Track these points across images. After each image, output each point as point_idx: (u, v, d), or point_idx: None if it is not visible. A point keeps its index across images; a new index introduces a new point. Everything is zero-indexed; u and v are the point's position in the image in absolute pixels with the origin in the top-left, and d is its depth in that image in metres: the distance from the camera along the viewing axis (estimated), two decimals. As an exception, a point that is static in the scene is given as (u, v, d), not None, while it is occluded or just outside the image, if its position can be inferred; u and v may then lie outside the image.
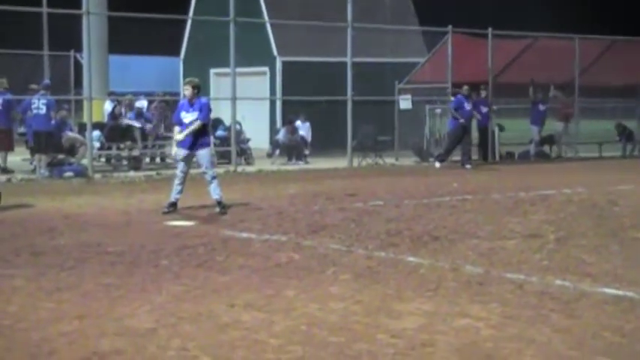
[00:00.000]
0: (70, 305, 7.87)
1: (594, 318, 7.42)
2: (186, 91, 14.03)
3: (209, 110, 14.20)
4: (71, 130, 21.58)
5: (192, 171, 14.67)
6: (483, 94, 25.48)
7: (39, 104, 20.18)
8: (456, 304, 7.89)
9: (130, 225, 12.82)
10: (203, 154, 13.95)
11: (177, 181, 13.99)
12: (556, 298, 8.10)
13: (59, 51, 30.63)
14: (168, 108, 24.38)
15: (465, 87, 23.72)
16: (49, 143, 20.16)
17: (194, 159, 14.09)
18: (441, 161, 23.31)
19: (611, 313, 7.59)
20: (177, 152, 14.04)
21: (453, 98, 24.01)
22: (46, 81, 22.36)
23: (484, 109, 25.44)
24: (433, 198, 16.01)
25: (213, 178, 14.00)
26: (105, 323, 7.26)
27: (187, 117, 13.87)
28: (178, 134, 13.94)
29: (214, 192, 13.98)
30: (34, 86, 23.20)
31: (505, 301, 7.97)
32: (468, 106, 23.53)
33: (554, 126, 27.32)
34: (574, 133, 28.71)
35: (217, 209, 13.90)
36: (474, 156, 25.31)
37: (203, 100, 14.26)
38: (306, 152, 25.21)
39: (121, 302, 7.95)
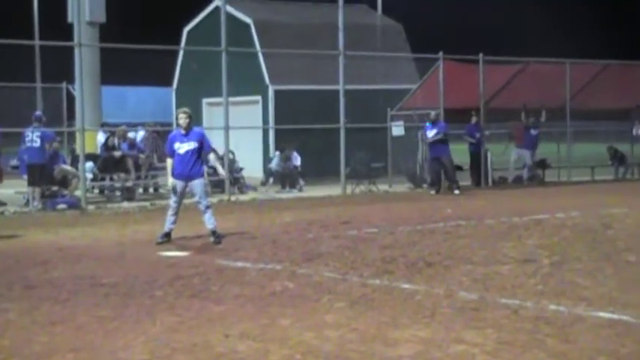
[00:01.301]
0: (64, 338, 7.83)
1: (590, 342, 7.41)
2: (182, 120, 14.01)
3: (207, 140, 14.31)
4: (64, 162, 21.56)
5: (186, 201, 14.66)
6: (474, 119, 25.55)
7: (33, 137, 20.16)
8: (452, 330, 7.87)
9: (124, 256, 12.80)
10: (197, 184, 13.96)
11: (170, 212, 13.99)
12: (551, 322, 8.09)
13: (51, 83, 30.68)
14: (159, 138, 24.40)
15: (432, 113, 23.81)
16: (43, 175, 20.13)
17: (187, 189, 14.09)
18: (458, 187, 23.35)
19: (606, 337, 7.58)
20: (174, 183, 14.00)
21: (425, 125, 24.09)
22: (37, 113, 22.34)
23: (477, 135, 25.53)
24: (427, 224, 16.02)
25: (208, 207, 13.99)
26: (99, 356, 7.23)
27: (183, 147, 13.87)
28: (169, 181, 13.93)
29: (209, 222, 13.97)
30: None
31: (500, 327, 7.95)
32: (430, 133, 23.55)
33: (521, 154, 26.96)
34: (566, 156, 28.79)
35: (212, 239, 13.89)
36: (467, 182, 25.35)
37: (198, 129, 14.30)
38: (302, 182, 25.20)
39: (116, 334, 7.92)
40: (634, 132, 30.41)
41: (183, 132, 13.96)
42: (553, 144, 29.50)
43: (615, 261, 11.55)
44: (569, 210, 18.04)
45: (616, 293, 9.39)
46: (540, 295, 9.34)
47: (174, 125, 28.61)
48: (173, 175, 13.98)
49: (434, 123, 23.55)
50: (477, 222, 16.31)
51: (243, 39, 27.97)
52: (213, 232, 13.94)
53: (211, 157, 14.63)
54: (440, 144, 23.49)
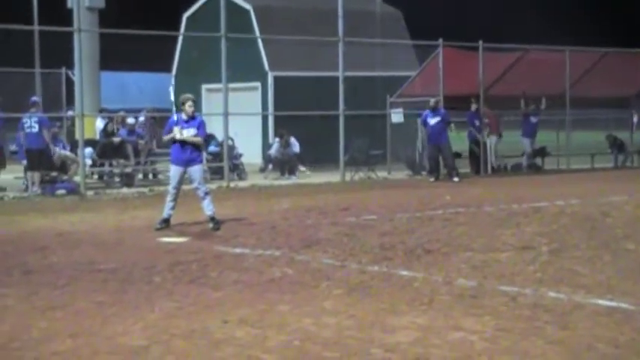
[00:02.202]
0: (62, 324, 7.84)
1: (588, 330, 7.42)
2: (190, 108, 13.98)
3: (205, 129, 14.30)
4: (64, 147, 21.55)
5: (185, 187, 14.65)
6: (474, 107, 25.53)
7: (31, 122, 20.14)
8: (450, 317, 7.88)
9: (123, 242, 12.80)
10: (195, 170, 13.95)
11: (169, 198, 13.99)
12: (550, 310, 8.10)
13: (50, 68, 30.64)
14: (157, 124, 24.38)
15: (432, 100, 23.77)
16: (42, 161, 20.12)
17: (186, 175, 14.07)
18: (457, 175, 23.32)
19: (605, 324, 7.58)
20: (183, 134, 13.86)
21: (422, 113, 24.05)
22: (34, 98, 22.30)
23: (476, 122, 25.53)
24: (426, 211, 16.02)
25: (206, 194, 13.99)
26: (98, 341, 7.24)
27: (184, 133, 13.85)
28: (178, 132, 13.82)
29: (207, 208, 13.97)
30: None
31: (499, 314, 7.96)
32: (432, 121, 23.47)
33: (489, 140, 26.67)
34: (565, 144, 28.79)
35: (210, 225, 13.88)
36: (466, 169, 25.37)
37: (200, 117, 14.29)
38: (302, 168, 25.18)
39: (114, 320, 7.92)
40: (635, 120, 30.41)
41: (185, 118, 13.93)
42: (552, 132, 29.51)
43: (614, 249, 11.55)
44: (568, 198, 18.04)
45: (614, 281, 9.40)
46: (539, 283, 9.34)
47: (174, 110, 28.72)
48: (171, 159, 14.03)
49: (434, 110, 23.49)
50: (476, 209, 16.32)
51: (243, 25, 27.92)
52: (212, 219, 13.94)
53: (195, 138, 13.97)
54: (439, 131, 23.44)
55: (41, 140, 20.21)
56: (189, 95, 14.35)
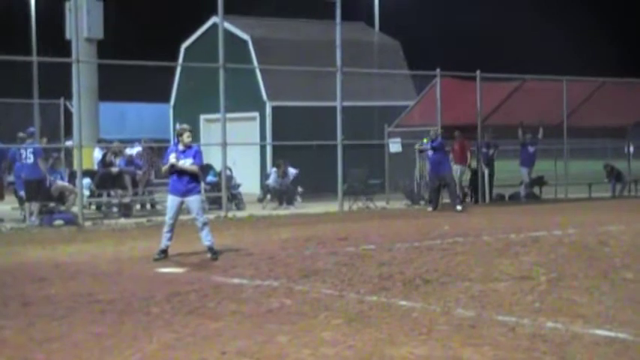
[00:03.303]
0: (60, 356, 7.81)
1: (587, 360, 7.40)
2: (188, 138, 14.02)
3: (201, 158, 14.32)
4: (62, 178, 21.56)
5: (182, 217, 14.65)
6: (484, 137, 25.73)
7: (27, 153, 20.18)
8: (449, 347, 7.86)
9: (121, 273, 12.78)
10: (193, 201, 13.96)
11: (166, 228, 13.98)
12: (548, 340, 8.08)
13: (49, 99, 30.72)
14: (154, 154, 24.42)
15: (432, 130, 23.81)
16: (40, 191, 20.12)
17: (183, 206, 14.09)
18: (461, 203, 23.33)
19: (603, 354, 7.57)
20: (182, 162, 13.90)
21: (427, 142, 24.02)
22: (31, 129, 22.36)
23: (490, 152, 25.71)
24: (424, 241, 16.01)
25: (205, 224, 13.99)
26: (96, 373, 7.22)
27: (180, 163, 13.88)
28: (174, 159, 13.84)
29: (205, 238, 13.96)
30: (21, 134, 23.23)
31: (497, 344, 7.94)
32: (431, 151, 23.48)
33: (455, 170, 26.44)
34: (563, 174, 28.84)
35: (209, 255, 13.88)
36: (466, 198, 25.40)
37: (196, 147, 14.33)
38: (299, 193, 25.17)
39: (112, 352, 7.90)
40: (631, 150, 30.48)
41: (182, 148, 13.96)
42: (550, 161, 29.55)
43: (612, 278, 11.54)
44: (566, 227, 18.04)
45: (613, 311, 9.39)
46: (537, 313, 9.33)
47: (172, 140, 28.77)
48: (169, 189, 14.05)
49: (433, 140, 23.49)
50: (474, 239, 16.31)
51: (241, 55, 28.03)
52: (210, 249, 13.94)
53: (192, 166, 13.96)
54: (438, 160, 23.38)
55: (38, 170, 20.22)
56: (186, 126, 14.39)
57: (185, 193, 13.88)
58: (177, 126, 14.58)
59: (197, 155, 14.01)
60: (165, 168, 14.14)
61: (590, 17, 63.68)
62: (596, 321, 8.88)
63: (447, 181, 23.43)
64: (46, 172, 20.41)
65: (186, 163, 13.87)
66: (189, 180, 13.93)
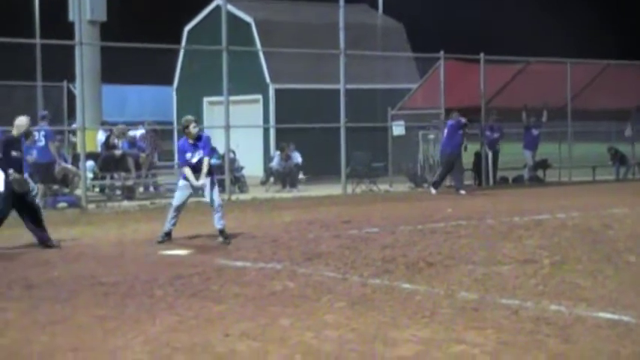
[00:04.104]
0: (63, 338, 7.82)
1: (590, 343, 7.40)
2: (194, 129, 13.96)
3: (211, 143, 14.32)
4: (65, 160, 21.56)
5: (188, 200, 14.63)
6: (490, 119, 25.68)
7: (39, 136, 20.22)
8: (452, 330, 7.86)
9: (124, 255, 12.79)
10: (214, 186, 13.94)
11: (172, 213, 13.95)
12: (551, 323, 8.08)
13: (52, 82, 30.68)
14: (158, 137, 24.42)
15: (454, 113, 23.70)
16: (48, 174, 20.08)
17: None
18: (437, 188, 23.28)
19: (606, 337, 7.57)
20: (203, 183, 13.90)
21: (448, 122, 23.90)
22: (43, 112, 22.37)
23: (495, 135, 25.66)
24: (428, 224, 16.00)
25: (220, 206, 13.93)
26: (99, 356, 7.23)
27: (194, 157, 13.86)
28: (197, 180, 13.79)
29: (218, 222, 13.87)
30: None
31: (500, 327, 7.94)
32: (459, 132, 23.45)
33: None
34: (567, 156, 28.81)
35: (220, 239, 13.80)
36: (469, 181, 25.35)
37: (204, 136, 14.24)
38: (301, 181, 25.16)
39: (115, 334, 7.91)
40: (625, 133, 30.43)
41: (191, 141, 13.91)
42: (554, 144, 29.50)
43: (616, 262, 11.53)
44: (569, 210, 18.03)
45: (616, 294, 9.39)
46: (541, 296, 9.33)
47: (175, 124, 28.77)
48: (183, 175, 13.98)
49: (458, 121, 23.40)
50: (478, 222, 16.30)
51: (244, 38, 27.97)
52: (222, 232, 13.87)
53: (205, 162, 13.96)
54: (458, 141, 23.31)
55: (49, 154, 20.26)
56: (190, 117, 14.26)
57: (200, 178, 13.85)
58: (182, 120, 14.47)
59: (207, 146, 13.97)
60: (197, 184, 13.93)
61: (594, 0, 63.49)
62: (600, 304, 8.88)
63: (459, 165, 23.37)
64: (56, 155, 20.43)
65: (203, 164, 13.80)
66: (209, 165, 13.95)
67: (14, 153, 13.33)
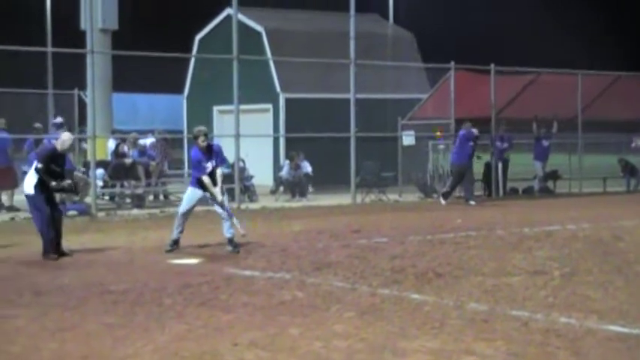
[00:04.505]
0: (73, 345, 7.83)
1: (600, 356, 7.37)
2: (203, 142, 13.95)
3: (222, 152, 14.34)
4: (75, 168, 21.57)
5: (196, 208, 14.63)
6: (500, 130, 25.68)
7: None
8: (461, 341, 7.84)
9: (133, 263, 12.80)
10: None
11: (179, 220, 13.95)
12: (562, 335, 8.05)
13: (63, 90, 30.76)
14: (168, 145, 24.46)
15: (468, 123, 23.67)
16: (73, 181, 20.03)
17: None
18: (447, 198, 23.24)
19: (617, 350, 7.54)
20: (222, 192, 13.94)
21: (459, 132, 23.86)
22: (58, 119, 22.43)
23: (504, 145, 25.63)
24: (437, 234, 15.97)
25: (230, 215, 13.93)
26: (108, 363, 7.23)
27: (208, 166, 13.87)
28: (220, 195, 13.81)
29: (228, 230, 13.85)
30: (37, 125, 23.30)
31: (510, 339, 7.92)
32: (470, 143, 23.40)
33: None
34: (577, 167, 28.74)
35: (229, 248, 13.78)
36: (478, 192, 25.30)
37: (216, 145, 14.26)
38: (310, 192, 25.14)
39: (124, 342, 7.91)
40: (632, 145, 30.34)
41: (204, 151, 13.92)
42: (564, 155, 29.43)
43: (626, 273, 11.49)
44: (580, 221, 17.98)
45: (627, 306, 9.35)
46: (551, 308, 9.29)
47: (185, 133, 28.81)
48: (200, 185, 13.92)
49: (470, 131, 23.37)
50: (488, 233, 16.26)
51: (255, 47, 27.99)
52: (231, 241, 13.85)
53: (218, 173, 13.97)
54: (469, 152, 23.29)
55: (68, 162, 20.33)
56: (201, 128, 14.18)
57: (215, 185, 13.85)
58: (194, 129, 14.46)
59: (218, 155, 13.99)
60: (220, 200, 13.94)
61: (605, 11, 63.45)
62: (610, 316, 8.84)
63: (470, 175, 23.33)
64: (73, 163, 20.46)
65: (217, 174, 13.85)
66: (213, 176, 13.91)
67: (54, 167, 13.35)
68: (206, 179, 13.84)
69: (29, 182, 13.33)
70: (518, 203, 24.12)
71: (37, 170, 13.23)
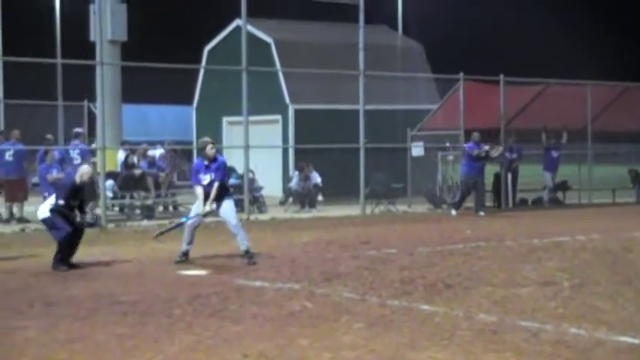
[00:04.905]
0: (83, 356, 7.84)
1: (610, 367, 7.36)
2: (211, 150, 13.98)
3: (225, 168, 14.23)
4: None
5: (206, 220, 14.65)
6: (509, 140, 25.66)
7: (74, 154, 20.41)
8: (471, 352, 7.83)
9: (143, 274, 12.82)
10: (226, 205, 13.89)
11: (188, 231, 13.97)
12: (571, 346, 8.04)
13: (73, 101, 30.86)
14: (177, 156, 24.51)
15: (476, 134, 23.66)
16: (90, 192, 20.02)
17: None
18: (457, 209, 23.23)
19: (627, 361, 7.53)
20: (210, 207, 13.95)
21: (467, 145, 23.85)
22: (78, 129, 22.51)
23: (513, 155, 25.60)
24: (446, 245, 15.96)
25: (239, 228, 13.92)
26: (117, 374, 7.24)
27: (206, 178, 13.89)
28: (206, 206, 13.86)
29: (241, 242, 13.86)
30: (49, 136, 23.41)
31: (520, 350, 7.91)
32: (475, 152, 23.29)
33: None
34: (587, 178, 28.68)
35: (245, 260, 13.72)
36: (488, 203, 25.26)
37: (220, 159, 14.22)
38: (319, 202, 25.12)
39: (134, 353, 7.92)
40: None
41: (206, 163, 13.93)
42: (574, 166, 29.39)
43: (636, 285, 11.46)
44: (589, 232, 17.94)
45: (637, 317, 9.33)
46: (560, 319, 9.28)
47: (195, 143, 28.87)
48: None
49: (478, 144, 23.35)
50: (497, 244, 16.25)
51: (264, 58, 28.05)
52: (247, 252, 13.83)
53: (215, 186, 13.85)
54: (478, 165, 23.28)
55: None
56: (207, 139, 14.34)
57: (216, 200, 13.85)
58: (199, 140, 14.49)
59: (219, 170, 13.90)
60: (204, 210, 14.00)
61: (614, 22, 63.43)
62: (620, 327, 8.82)
63: (479, 186, 23.30)
64: (94, 174, 20.52)
65: (212, 188, 13.81)
66: (220, 189, 13.88)
67: (73, 202, 13.40)
68: (199, 189, 13.93)
69: (44, 207, 13.39)
70: (527, 214, 24.09)
71: (57, 206, 13.27)
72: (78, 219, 13.42)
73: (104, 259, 14.44)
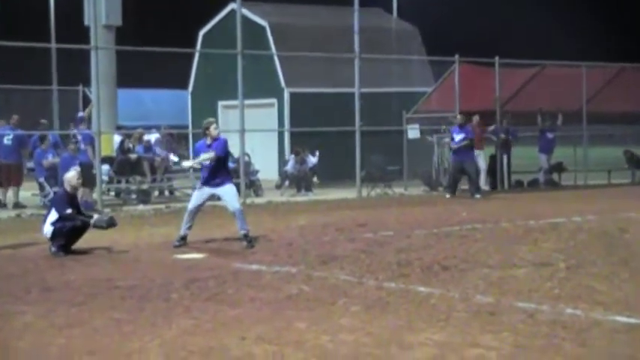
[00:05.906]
0: (80, 341, 7.86)
1: (606, 347, 7.39)
2: (215, 130, 13.98)
3: (226, 147, 14.19)
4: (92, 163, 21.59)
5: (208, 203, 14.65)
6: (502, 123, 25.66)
7: (79, 138, 20.59)
8: (467, 333, 7.86)
9: (140, 259, 12.83)
10: (226, 190, 13.88)
11: (188, 216, 13.97)
12: (567, 326, 8.07)
13: (68, 86, 30.79)
14: (173, 141, 24.47)
15: (458, 116, 23.64)
16: (90, 177, 20.05)
17: (216, 196, 14.12)
18: (450, 193, 23.22)
19: (623, 341, 7.55)
20: (189, 164, 14.37)
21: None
22: (81, 114, 22.56)
23: (502, 135, 25.62)
24: (443, 227, 15.99)
25: (240, 212, 13.93)
26: (115, 359, 7.26)
27: (200, 157, 13.94)
28: (189, 161, 14.09)
29: (242, 227, 13.87)
30: (43, 121, 23.38)
31: (516, 331, 7.94)
32: (457, 137, 23.18)
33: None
34: (583, 160, 28.72)
35: (244, 244, 13.76)
36: (484, 185, 25.29)
37: (221, 138, 14.20)
38: (314, 184, 25.14)
39: (132, 337, 7.94)
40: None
41: (208, 142, 13.93)
42: (569, 147, 29.42)
43: (632, 265, 11.49)
44: (585, 214, 17.98)
45: (633, 298, 9.37)
46: (557, 299, 9.31)
47: (190, 128, 28.87)
48: (201, 180, 14.05)
49: (461, 127, 23.22)
50: (493, 225, 16.28)
51: (259, 42, 28.02)
52: (246, 237, 13.84)
53: (210, 154, 13.91)
54: (464, 149, 23.16)
55: (87, 156, 20.46)
56: (212, 119, 14.39)
57: (216, 185, 13.85)
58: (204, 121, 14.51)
59: (218, 146, 13.89)
60: (185, 164, 14.45)
61: (609, 3, 63.38)
62: (616, 308, 8.85)
63: (469, 171, 23.24)
64: (92, 158, 20.54)
65: (205, 156, 13.83)
66: (218, 172, 13.86)
67: (71, 209, 13.39)
68: (199, 158, 13.97)
69: (48, 225, 13.32)
70: (523, 196, 24.12)
71: (64, 215, 13.25)
72: (93, 221, 13.48)
73: (101, 244, 14.44)
